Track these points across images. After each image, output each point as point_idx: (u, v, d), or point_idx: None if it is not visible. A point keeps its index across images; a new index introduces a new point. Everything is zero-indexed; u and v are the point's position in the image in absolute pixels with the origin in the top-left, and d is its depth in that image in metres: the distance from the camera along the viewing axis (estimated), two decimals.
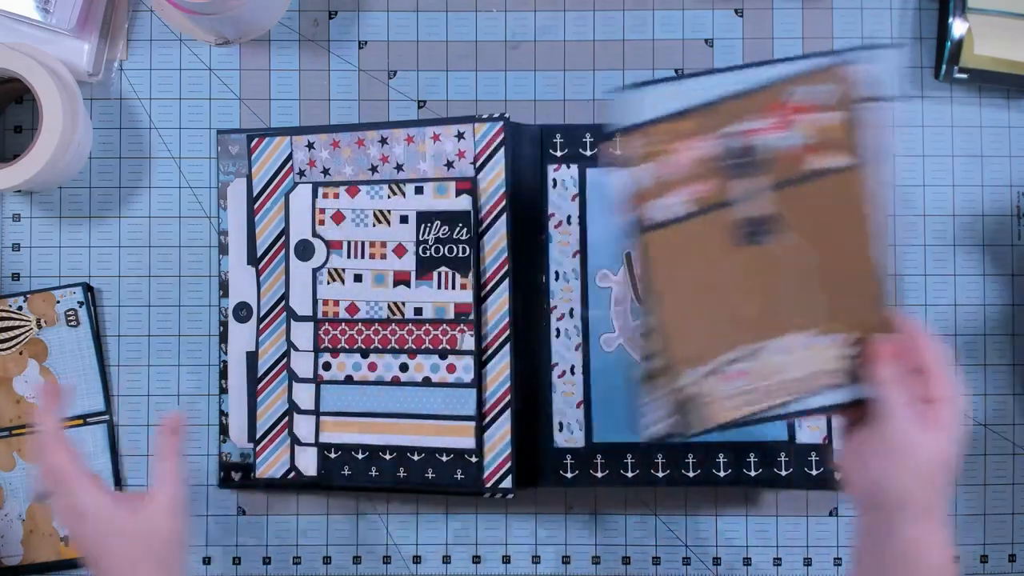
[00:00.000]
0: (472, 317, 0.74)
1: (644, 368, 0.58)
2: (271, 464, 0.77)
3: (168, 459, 0.64)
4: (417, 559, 0.80)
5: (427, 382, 0.75)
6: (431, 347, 0.75)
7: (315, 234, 0.76)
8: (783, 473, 0.75)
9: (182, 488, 0.63)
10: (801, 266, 0.57)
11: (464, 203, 0.75)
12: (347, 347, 0.76)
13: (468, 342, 0.75)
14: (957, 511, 0.78)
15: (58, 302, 0.78)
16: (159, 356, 0.80)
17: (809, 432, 0.75)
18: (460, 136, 0.75)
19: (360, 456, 0.76)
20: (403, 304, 0.75)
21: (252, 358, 0.78)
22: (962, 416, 0.57)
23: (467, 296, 0.75)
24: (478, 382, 0.74)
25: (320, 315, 0.76)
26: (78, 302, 0.79)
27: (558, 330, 0.76)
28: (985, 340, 0.79)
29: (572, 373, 0.76)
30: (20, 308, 0.78)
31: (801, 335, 0.58)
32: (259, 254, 0.78)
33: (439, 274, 0.75)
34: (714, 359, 0.58)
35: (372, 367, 0.76)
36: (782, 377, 0.58)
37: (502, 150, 0.75)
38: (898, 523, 0.57)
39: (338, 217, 0.76)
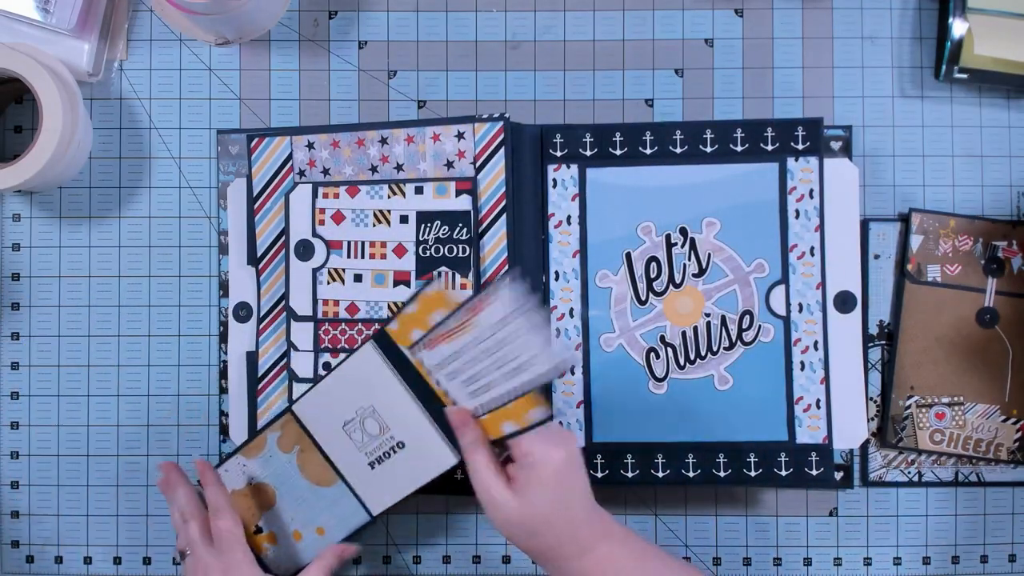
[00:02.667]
0: None
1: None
2: None
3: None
4: (417, 559, 0.80)
5: None
6: None
7: (315, 234, 0.76)
8: (783, 473, 0.75)
9: None
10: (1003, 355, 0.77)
11: (464, 203, 0.75)
12: (347, 347, 0.76)
13: None
14: (957, 511, 0.78)
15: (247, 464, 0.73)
16: (158, 356, 0.80)
17: (809, 432, 0.75)
18: (460, 136, 0.75)
19: None
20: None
21: (252, 358, 0.78)
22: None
23: (467, 296, 0.75)
24: None
25: (320, 315, 0.76)
26: None
27: (558, 330, 0.76)
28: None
29: (572, 373, 0.76)
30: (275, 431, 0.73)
31: (991, 407, 0.76)
32: (259, 254, 0.78)
33: (439, 274, 0.75)
34: (932, 395, 0.77)
35: None
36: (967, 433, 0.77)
37: (502, 150, 0.75)
38: None
39: (338, 217, 0.76)
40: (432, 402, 0.68)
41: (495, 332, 0.63)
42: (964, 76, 0.77)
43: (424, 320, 0.66)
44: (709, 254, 0.76)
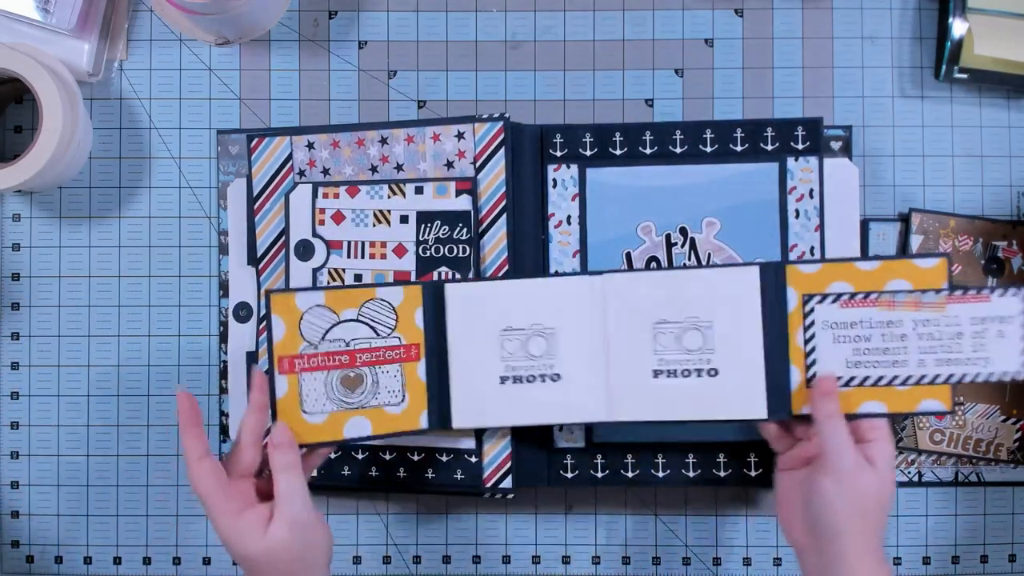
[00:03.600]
0: None
1: None
2: None
3: (284, 471, 0.63)
4: (417, 559, 0.80)
5: None
6: None
7: (315, 234, 0.76)
8: None
9: (303, 502, 0.62)
10: None
11: (464, 203, 0.75)
12: None
13: None
14: (957, 511, 0.78)
15: None
16: (159, 356, 0.80)
17: None
18: (460, 136, 0.75)
19: (360, 456, 0.76)
20: None
21: (252, 358, 0.78)
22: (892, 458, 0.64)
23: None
24: None
25: None
26: None
27: None
28: None
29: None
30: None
31: (991, 407, 0.76)
32: (259, 254, 0.78)
33: (439, 274, 0.75)
34: None
35: None
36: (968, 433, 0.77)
37: (502, 150, 0.75)
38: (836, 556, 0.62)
39: (338, 217, 0.76)
40: (777, 350, 0.66)
41: (962, 324, 0.64)
42: (964, 76, 0.77)
43: (876, 280, 0.65)
44: (709, 254, 0.76)
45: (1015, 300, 0.64)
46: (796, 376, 0.67)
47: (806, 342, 0.66)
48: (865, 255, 0.77)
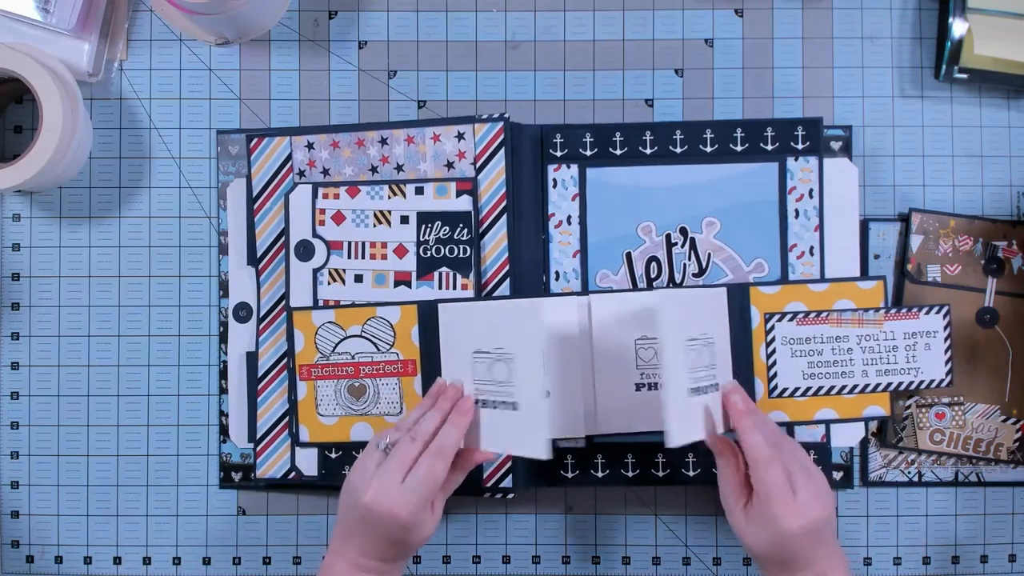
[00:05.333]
0: None
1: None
2: (271, 464, 0.77)
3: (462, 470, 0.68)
4: (417, 559, 0.80)
5: None
6: None
7: (315, 234, 0.76)
8: None
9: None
10: (1003, 355, 0.77)
11: (464, 204, 0.75)
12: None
13: None
14: (957, 511, 0.79)
15: None
16: (158, 356, 0.80)
17: (808, 431, 0.75)
18: (460, 136, 0.75)
19: None
20: None
21: (252, 358, 0.78)
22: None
23: (468, 296, 0.75)
24: None
25: None
26: None
27: None
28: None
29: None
30: None
31: (991, 407, 0.77)
32: (259, 254, 0.78)
33: (440, 274, 0.75)
34: (932, 395, 0.77)
35: None
36: (968, 434, 0.77)
37: (502, 151, 0.75)
38: None
39: (338, 217, 0.76)
40: (743, 364, 0.73)
41: (896, 338, 0.73)
42: (964, 76, 0.77)
43: (826, 300, 0.73)
44: (709, 254, 0.76)
45: (938, 317, 0.72)
46: (760, 388, 0.74)
47: (768, 356, 0.72)
48: (865, 255, 0.78)
